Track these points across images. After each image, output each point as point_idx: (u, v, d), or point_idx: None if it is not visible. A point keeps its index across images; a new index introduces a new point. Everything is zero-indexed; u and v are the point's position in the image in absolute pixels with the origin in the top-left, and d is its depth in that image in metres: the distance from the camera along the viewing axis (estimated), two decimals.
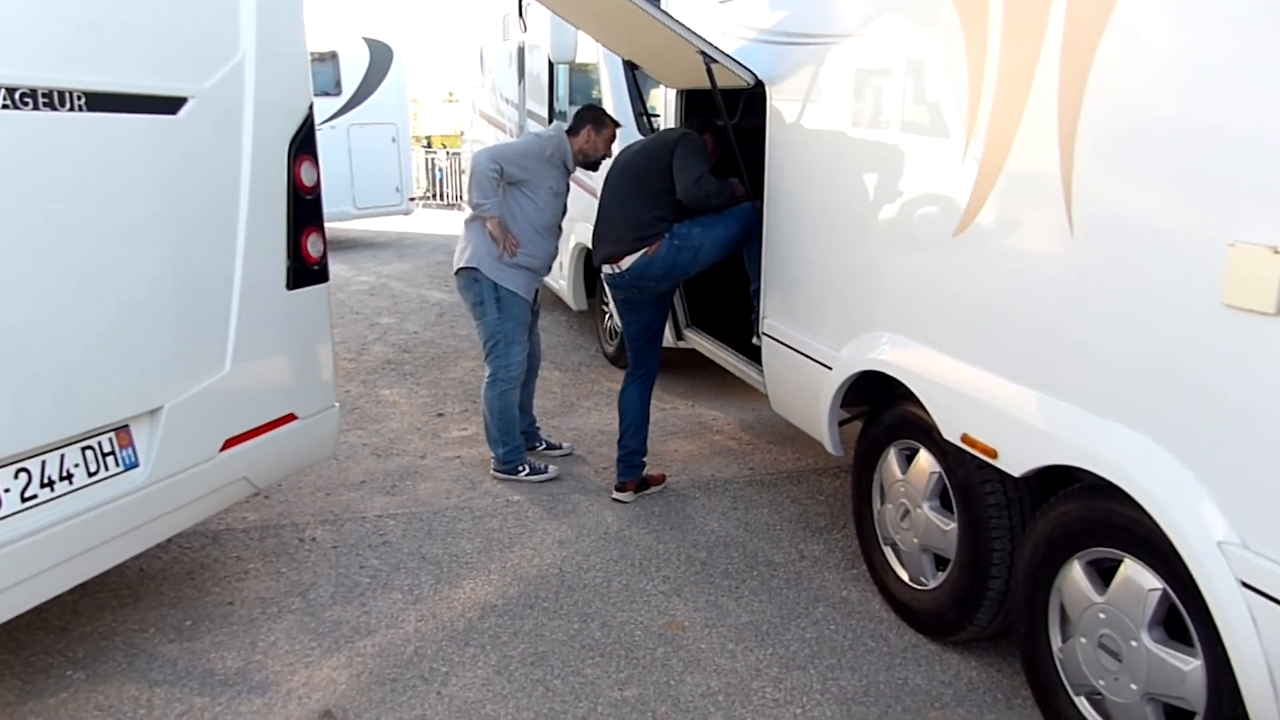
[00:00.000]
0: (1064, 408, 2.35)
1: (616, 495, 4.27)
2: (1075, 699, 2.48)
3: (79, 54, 2.48)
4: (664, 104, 5.17)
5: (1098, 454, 2.24)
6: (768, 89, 3.84)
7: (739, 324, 4.60)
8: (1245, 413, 1.89)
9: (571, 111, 6.64)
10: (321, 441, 3.50)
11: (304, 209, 3.22)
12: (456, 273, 4.38)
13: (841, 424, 3.58)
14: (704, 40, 3.73)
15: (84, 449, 2.62)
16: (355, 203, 11.52)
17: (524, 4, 7.58)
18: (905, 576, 3.24)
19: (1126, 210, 2.13)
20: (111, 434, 2.70)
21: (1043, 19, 2.30)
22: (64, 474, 2.56)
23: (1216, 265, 1.90)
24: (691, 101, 4.98)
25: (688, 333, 5.21)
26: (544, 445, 4.81)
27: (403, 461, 4.70)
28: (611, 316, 6.23)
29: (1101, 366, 2.23)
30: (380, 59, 11.58)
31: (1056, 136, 2.28)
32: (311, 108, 3.23)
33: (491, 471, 4.49)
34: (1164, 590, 2.16)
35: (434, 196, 18.25)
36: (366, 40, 11.47)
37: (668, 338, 5.17)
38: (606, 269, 4.09)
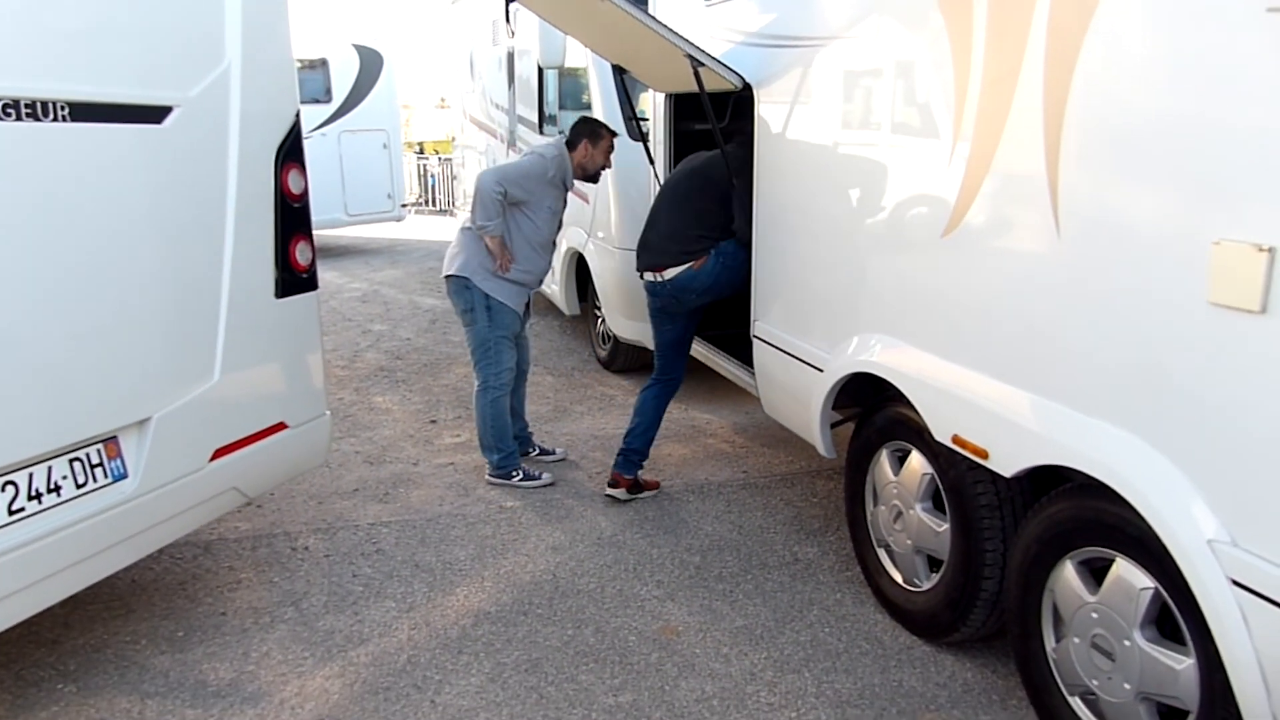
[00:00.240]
0: (1053, 408, 2.35)
1: (609, 491, 4.27)
2: (1070, 699, 2.48)
3: (62, 64, 2.47)
4: (653, 108, 5.17)
5: (1087, 454, 2.24)
6: (755, 92, 3.84)
7: (730, 327, 4.60)
8: (1233, 410, 1.89)
9: (562, 116, 6.67)
10: (313, 450, 3.49)
11: (292, 217, 3.21)
12: (446, 278, 4.38)
13: (833, 426, 3.58)
14: (690, 44, 3.73)
15: (72, 461, 2.61)
16: (347, 209, 11.51)
17: (511, 10, 7.58)
18: (899, 578, 3.24)
19: (1112, 210, 2.14)
20: (100, 445, 2.69)
21: (1026, 19, 2.31)
22: (52, 486, 2.55)
23: (1202, 264, 1.90)
24: (680, 106, 4.98)
25: None
26: (537, 451, 4.80)
27: (395, 469, 4.69)
28: (603, 321, 6.22)
29: (1090, 366, 2.23)
30: (370, 66, 11.57)
31: (1042, 137, 2.29)
32: (298, 115, 3.23)
33: (486, 478, 4.49)
34: (1156, 589, 2.16)
35: (426, 203, 18.25)
36: (356, 47, 11.47)
37: None
38: (649, 276, 4.15)
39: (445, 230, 14.01)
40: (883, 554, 3.32)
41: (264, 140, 3.09)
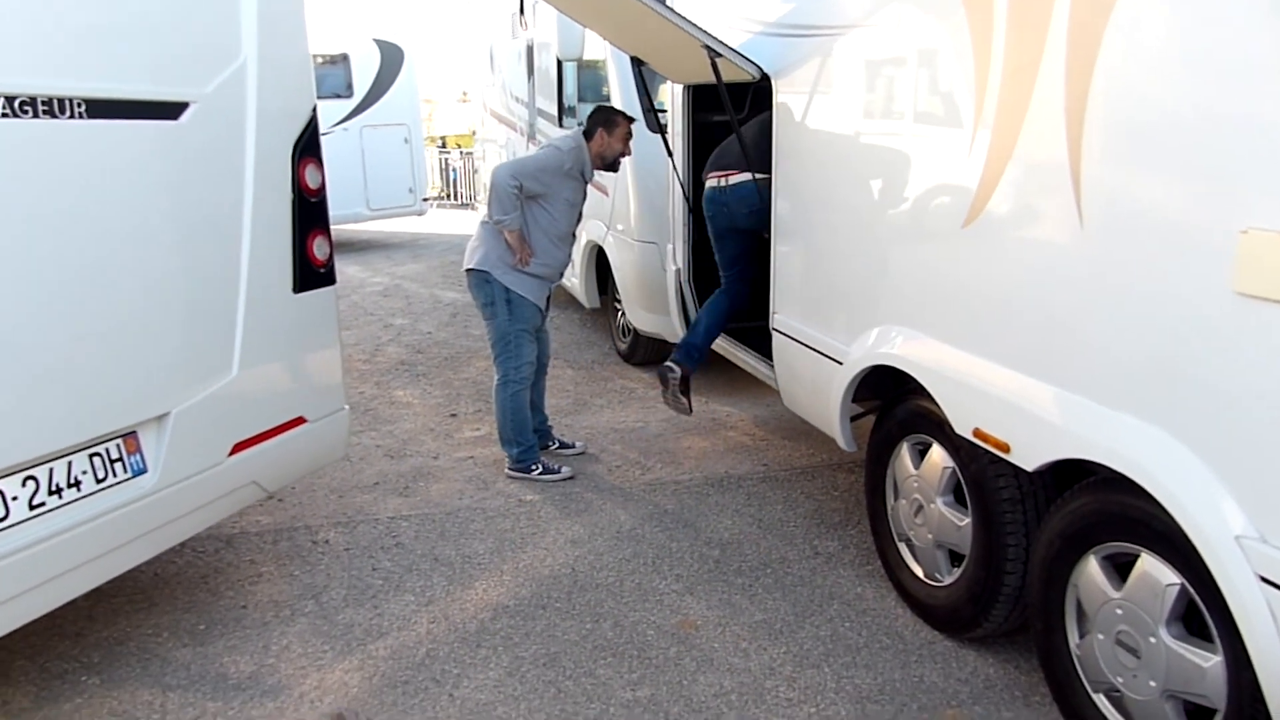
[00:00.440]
0: (1076, 400, 2.31)
1: (667, 362, 4.49)
2: (1094, 696, 2.44)
3: (79, 61, 2.48)
4: (671, 100, 5.15)
5: (1111, 447, 2.19)
6: (774, 82, 3.80)
7: (749, 320, 4.57)
8: (1261, 403, 1.85)
9: (580, 108, 6.65)
10: (332, 444, 3.50)
11: (309, 212, 3.21)
12: (467, 271, 4.38)
13: (854, 419, 3.55)
14: (708, 34, 3.70)
15: (91, 456, 2.63)
16: (369, 204, 11.58)
17: (526, 2, 7.57)
18: (920, 572, 3.20)
19: (1136, 199, 2.09)
20: (119, 440, 2.71)
21: (1048, 6, 2.26)
22: (72, 481, 2.57)
23: (1228, 253, 1.86)
24: (699, 96, 4.95)
25: None
26: (557, 444, 4.79)
27: (416, 462, 4.70)
28: (623, 314, 6.21)
29: (1113, 358, 2.19)
30: (391, 60, 11.62)
31: (1064, 126, 2.24)
32: (315, 110, 3.23)
33: (506, 471, 4.49)
34: (1182, 585, 2.12)
35: (448, 197, 18.30)
36: (377, 42, 11.51)
37: (677, 331, 5.16)
38: (713, 181, 4.29)
39: (466, 224, 14.04)
40: (904, 548, 3.29)
41: (281, 135, 3.09)
